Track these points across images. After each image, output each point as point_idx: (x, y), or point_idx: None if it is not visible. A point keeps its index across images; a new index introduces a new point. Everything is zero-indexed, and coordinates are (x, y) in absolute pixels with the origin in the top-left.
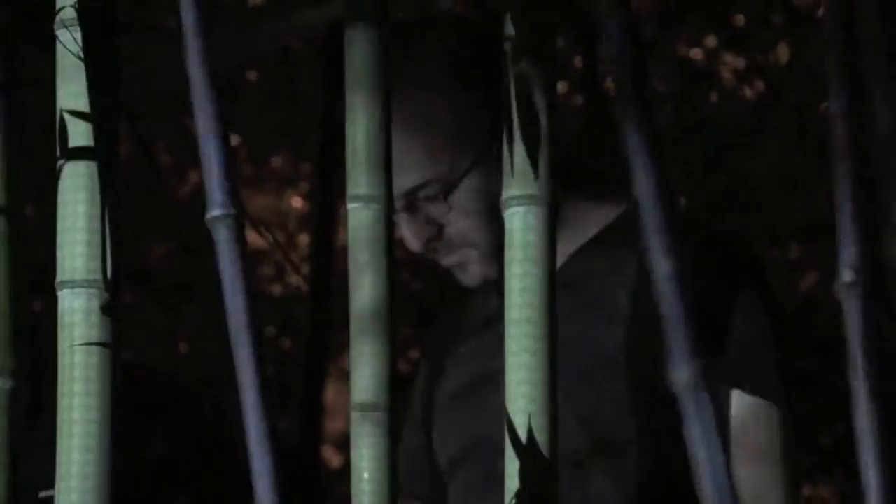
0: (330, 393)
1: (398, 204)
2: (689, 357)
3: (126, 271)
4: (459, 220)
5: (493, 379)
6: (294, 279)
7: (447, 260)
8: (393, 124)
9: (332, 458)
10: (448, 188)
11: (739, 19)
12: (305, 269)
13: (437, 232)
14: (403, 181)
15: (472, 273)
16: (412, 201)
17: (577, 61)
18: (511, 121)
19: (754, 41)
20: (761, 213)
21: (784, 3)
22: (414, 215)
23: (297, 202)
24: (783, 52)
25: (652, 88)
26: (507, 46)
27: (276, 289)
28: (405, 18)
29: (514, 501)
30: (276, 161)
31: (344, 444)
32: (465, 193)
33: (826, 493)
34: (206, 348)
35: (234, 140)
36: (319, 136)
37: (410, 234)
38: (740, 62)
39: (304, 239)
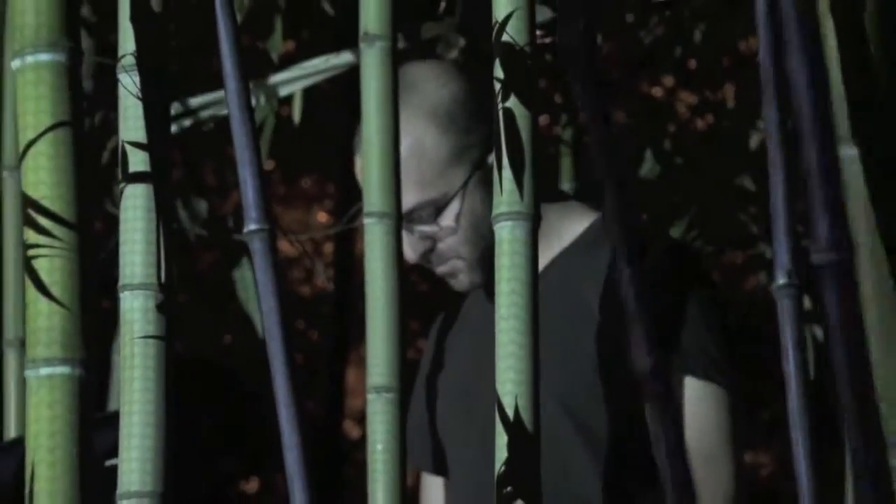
0: (350, 376)
1: None
2: (648, 348)
3: (178, 276)
4: (448, 236)
5: (485, 366)
6: (320, 281)
7: (439, 269)
8: None
9: (351, 430)
10: (438, 211)
11: (692, 63)
12: (330, 273)
13: (430, 246)
14: (405, 201)
15: (461, 280)
16: (408, 221)
17: (557, 97)
18: (500, 149)
19: (705, 81)
20: (711, 225)
21: (729, 50)
22: (410, 233)
23: (322, 217)
24: (729, 90)
25: (614, 122)
26: (497, 86)
27: (305, 290)
28: (404, 64)
29: (503, 469)
30: (305, 182)
31: (362, 419)
32: (453, 215)
33: (765, 459)
34: (246, 340)
35: (269, 165)
36: (341, 161)
37: (408, 248)
38: (693, 98)
39: (328, 248)
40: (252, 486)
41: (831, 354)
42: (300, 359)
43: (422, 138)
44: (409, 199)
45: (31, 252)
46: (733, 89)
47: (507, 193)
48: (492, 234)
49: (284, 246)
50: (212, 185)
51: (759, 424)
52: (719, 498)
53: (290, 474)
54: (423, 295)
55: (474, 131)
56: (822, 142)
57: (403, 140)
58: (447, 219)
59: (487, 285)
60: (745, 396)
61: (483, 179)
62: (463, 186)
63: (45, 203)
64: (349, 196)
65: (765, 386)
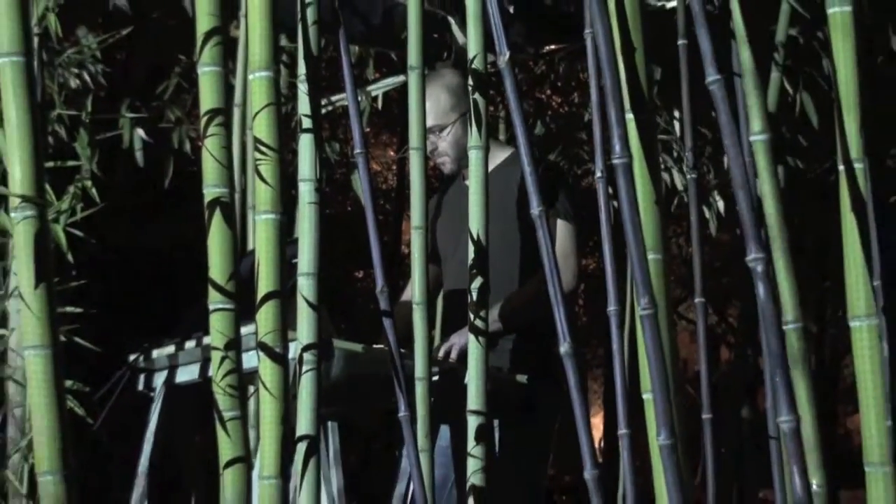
0: (405, 225)
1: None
2: (538, 205)
3: (324, 177)
4: (443, 143)
5: (463, 213)
6: (389, 182)
7: (438, 160)
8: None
9: (405, 248)
10: (441, 130)
11: (558, 81)
12: (395, 179)
13: (435, 147)
14: (427, 123)
15: (447, 168)
16: (429, 133)
17: (498, 96)
18: (470, 117)
19: (565, 91)
20: (573, 153)
21: (576, 77)
22: (428, 140)
23: (392, 152)
24: (577, 95)
25: (524, 107)
26: (469, 89)
27: (383, 186)
28: (438, 66)
29: (471, 263)
30: (384, 137)
31: (408, 244)
32: (448, 132)
33: (591, 262)
34: (356, 209)
35: (367, 129)
36: (401, 126)
37: (427, 148)
38: (560, 99)
39: (396, 168)
40: (360, 273)
41: (620, 210)
42: (382, 219)
43: (441, 97)
44: (430, 122)
45: (257, 162)
46: (578, 94)
47: (473, 136)
48: (465, 150)
49: (374, 166)
50: (340, 137)
51: (593, 244)
52: (570, 273)
53: (376, 268)
54: (434, 189)
55: (464, 98)
56: (616, 106)
57: (436, 98)
58: (445, 133)
59: (462, 173)
60: (587, 231)
61: (464, 121)
62: (454, 122)
63: (262, 138)
64: (404, 142)
65: (593, 227)
